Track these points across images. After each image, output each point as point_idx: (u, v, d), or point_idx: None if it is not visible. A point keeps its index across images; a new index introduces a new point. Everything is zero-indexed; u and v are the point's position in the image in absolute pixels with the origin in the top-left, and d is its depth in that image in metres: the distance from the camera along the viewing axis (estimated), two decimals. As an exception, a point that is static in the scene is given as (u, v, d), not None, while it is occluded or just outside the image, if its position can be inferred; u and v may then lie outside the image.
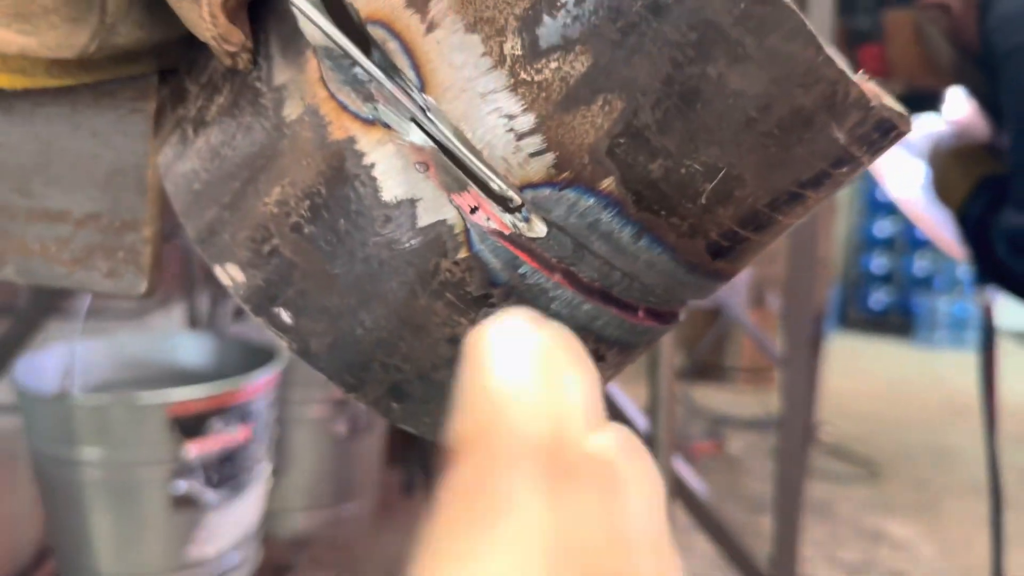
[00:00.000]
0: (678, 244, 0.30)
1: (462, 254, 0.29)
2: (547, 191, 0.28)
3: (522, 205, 0.28)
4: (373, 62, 0.28)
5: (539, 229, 0.29)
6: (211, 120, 0.31)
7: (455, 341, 0.30)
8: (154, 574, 0.97)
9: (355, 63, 0.28)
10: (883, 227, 4.69)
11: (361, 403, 0.32)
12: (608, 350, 0.33)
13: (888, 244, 4.71)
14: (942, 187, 1.24)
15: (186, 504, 0.97)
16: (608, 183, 0.28)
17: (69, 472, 0.96)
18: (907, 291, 4.64)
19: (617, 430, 0.14)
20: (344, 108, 0.28)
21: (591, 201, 0.28)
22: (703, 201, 0.29)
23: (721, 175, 0.28)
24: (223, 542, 1.02)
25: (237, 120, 0.31)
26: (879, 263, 4.75)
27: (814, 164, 0.29)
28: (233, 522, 1.03)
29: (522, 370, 0.14)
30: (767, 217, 0.31)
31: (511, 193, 0.28)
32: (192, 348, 1.28)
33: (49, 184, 0.40)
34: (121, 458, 0.95)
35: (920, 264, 4.62)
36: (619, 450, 0.14)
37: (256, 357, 1.22)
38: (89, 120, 0.39)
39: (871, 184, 4.53)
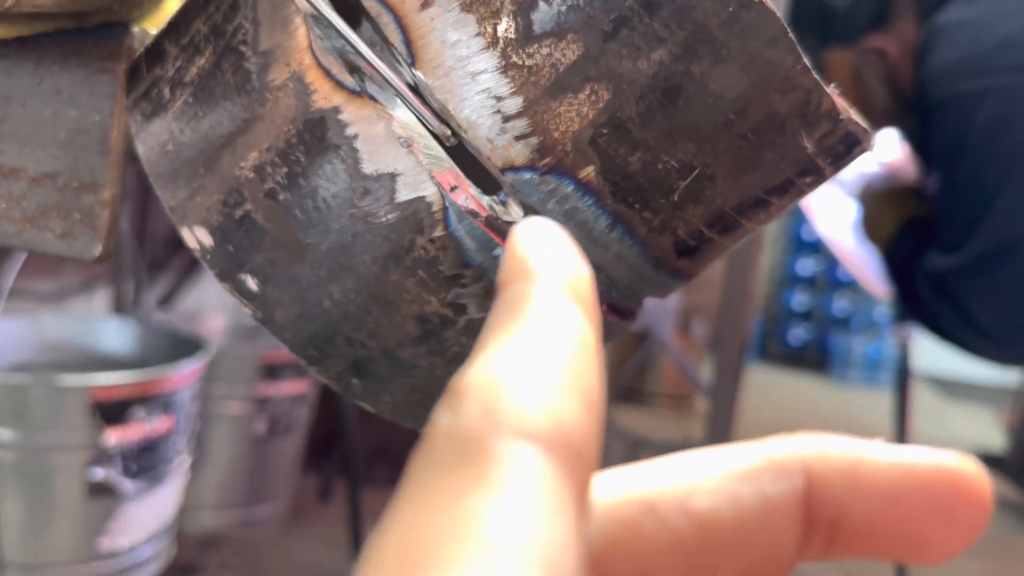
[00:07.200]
0: (648, 239, 0.30)
1: (438, 232, 0.29)
2: (528, 175, 0.28)
3: (501, 188, 0.29)
4: (363, 34, 0.28)
5: (516, 213, 0.29)
6: (190, 81, 0.31)
7: (423, 319, 0.31)
8: (64, 563, 0.93)
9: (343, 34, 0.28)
10: (805, 265, 4.82)
11: (321, 378, 0.32)
12: None
13: (810, 282, 4.84)
14: (871, 226, 1.29)
15: (102, 493, 0.94)
16: (588, 172, 0.28)
17: (-22, 453, 0.92)
18: (825, 329, 4.77)
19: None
20: (330, 76, 0.28)
21: (570, 188, 0.28)
22: (676, 198, 0.29)
23: (695, 173, 0.29)
24: (137, 534, 0.99)
25: (218, 82, 0.30)
26: (800, 300, 4.87)
27: (782, 171, 0.30)
28: (149, 514, 1.00)
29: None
30: (732, 220, 0.32)
31: (492, 173, 0.28)
32: (116, 334, 1.24)
33: (4, 139, 0.38)
34: (37, 441, 0.91)
35: (839, 304, 4.76)
36: None
37: (181, 347, 1.19)
38: (54, 76, 0.38)
39: (796, 222, 4.66)
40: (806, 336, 4.85)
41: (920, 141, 1.20)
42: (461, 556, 0.11)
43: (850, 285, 4.61)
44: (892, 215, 1.26)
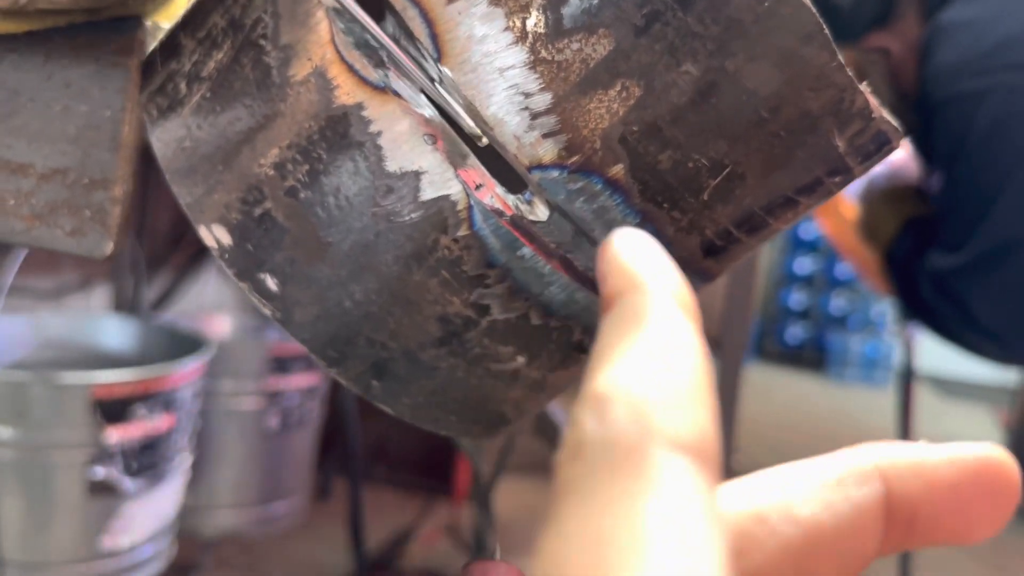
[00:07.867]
0: (675, 238, 0.30)
1: (463, 231, 0.28)
2: (555, 173, 0.28)
3: (527, 186, 0.28)
4: (387, 28, 0.28)
5: (541, 212, 0.28)
6: (207, 76, 0.30)
7: (445, 320, 0.30)
8: (64, 562, 0.92)
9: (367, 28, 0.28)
10: (803, 264, 4.81)
11: (340, 379, 0.31)
12: (592, 342, 0.33)
13: (807, 281, 4.84)
14: (872, 225, 1.29)
15: (103, 491, 0.93)
16: (617, 170, 0.28)
17: (-23, 452, 0.92)
18: (822, 328, 4.76)
19: None
20: (353, 71, 0.28)
21: (598, 187, 0.28)
22: (705, 197, 0.29)
23: (726, 172, 0.28)
24: (138, 533, 0.98)
25: (237, 77, 0.30)
26: (797, 299, 4.86)
27: (812, 170, 0.30)
28: (150, 513, 1.00)
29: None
30: (760, 220, 0.31)
31: (519, 171, 0.28)
32: (115, 332, 1.23)
33: (12, 134, 0.38)
34: (37, 439, 0.90)
35: (836, 303, 4.76)
36: None
37: (181, 345, 1.19)
38: (63, 71, 0.37)
39: (794, 221, 4.64)
40: (803, 335, 4.85)
41: (922, 140, 1.20)
42: (649, 557, 0.12)
43: (847, 284, 4.61)
44: (894, 214, 1.26)
